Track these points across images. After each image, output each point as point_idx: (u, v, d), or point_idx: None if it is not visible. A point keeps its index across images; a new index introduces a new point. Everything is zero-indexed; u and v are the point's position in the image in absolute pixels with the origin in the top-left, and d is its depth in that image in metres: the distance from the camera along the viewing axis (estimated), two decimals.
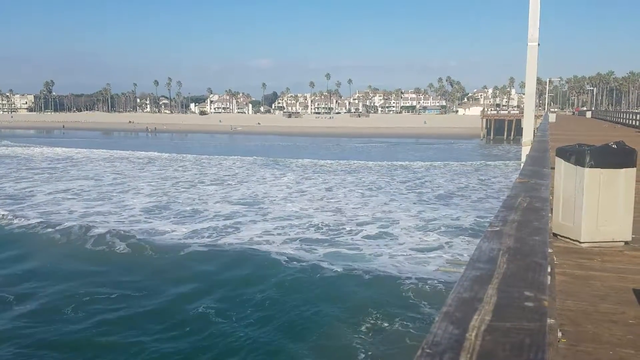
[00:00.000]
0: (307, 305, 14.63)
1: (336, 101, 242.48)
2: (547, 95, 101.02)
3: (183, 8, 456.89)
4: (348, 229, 23.69)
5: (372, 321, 13.55)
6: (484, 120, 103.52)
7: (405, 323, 13.27)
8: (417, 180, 41.06)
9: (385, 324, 13.35)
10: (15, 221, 24.51)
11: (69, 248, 20.66)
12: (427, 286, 15.35)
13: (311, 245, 21.03)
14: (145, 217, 26.64)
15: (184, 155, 63.14)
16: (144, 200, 31.40)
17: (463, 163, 53.30)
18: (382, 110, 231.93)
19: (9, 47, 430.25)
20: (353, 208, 28.84)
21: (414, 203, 30.63)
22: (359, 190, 35.28)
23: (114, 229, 22.45)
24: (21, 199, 31.83)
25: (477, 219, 24.98)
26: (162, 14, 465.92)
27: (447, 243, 21.12)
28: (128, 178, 42.41)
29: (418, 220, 25.43)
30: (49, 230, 22.71)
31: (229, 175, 43.97)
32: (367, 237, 22.37)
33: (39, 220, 24.47)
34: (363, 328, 13.23)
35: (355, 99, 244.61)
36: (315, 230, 23.55)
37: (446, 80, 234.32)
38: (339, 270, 17.04)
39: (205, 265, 18.22)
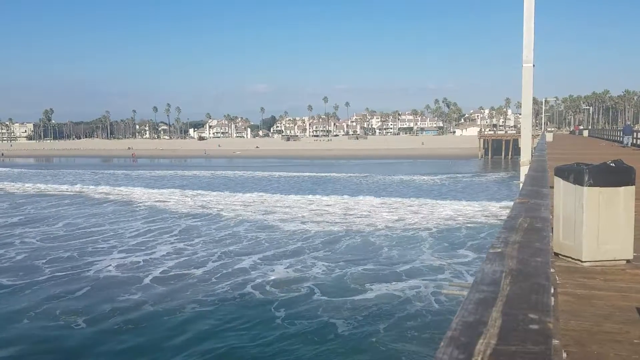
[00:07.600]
0: None
1: (334, 124, 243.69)
2: (543, 115, 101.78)
3: (180, 35, 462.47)
4: None
5: None
6: (482, 140, 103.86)
7: None
8: None
9: None
10: None
11: None
12: None
13: None
14: None
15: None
16: None
17: None
18: (379, 132, 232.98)
19: (8, 76, 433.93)
20: None
21: None
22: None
23: None
24: None
25: None
26: (161, 41, 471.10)
27: None
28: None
29: None
30: None
31: None
32: None
33: None
34: None
35: (352, 122, 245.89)
36: None
37: (443, 102, 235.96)
38: None
39: None
